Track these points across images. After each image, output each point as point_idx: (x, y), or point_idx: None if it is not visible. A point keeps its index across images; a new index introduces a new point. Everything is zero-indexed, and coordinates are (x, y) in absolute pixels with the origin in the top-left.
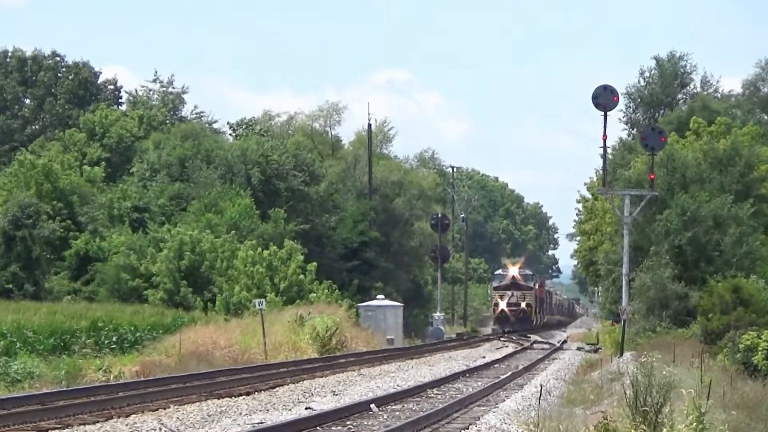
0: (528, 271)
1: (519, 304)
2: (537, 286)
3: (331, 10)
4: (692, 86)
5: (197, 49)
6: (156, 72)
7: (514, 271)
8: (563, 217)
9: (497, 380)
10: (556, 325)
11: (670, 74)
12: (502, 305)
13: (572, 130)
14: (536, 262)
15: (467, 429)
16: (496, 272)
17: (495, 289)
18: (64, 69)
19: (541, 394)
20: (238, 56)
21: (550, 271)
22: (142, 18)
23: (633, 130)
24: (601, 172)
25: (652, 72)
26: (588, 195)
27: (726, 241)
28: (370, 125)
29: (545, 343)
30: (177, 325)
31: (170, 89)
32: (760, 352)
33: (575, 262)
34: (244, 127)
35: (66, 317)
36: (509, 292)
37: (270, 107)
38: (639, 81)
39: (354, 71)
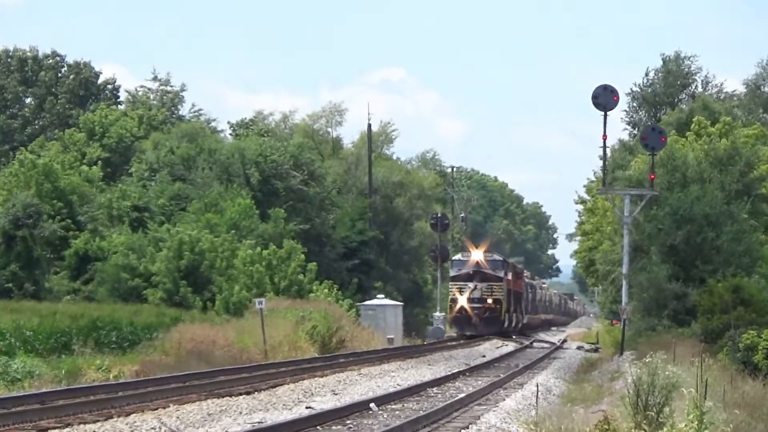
0: (497, 256)
1: (484, 300)
2: (510, 276)
3: (327, 10)
4: (694, 86)
5: (192, 49)
6: (155, 70)
7: (478, 255)
8: (563, 216)
9: (497, 379)
10: (543, 327)
11: (674, 74)
12: (462, 301)
13: (571, 130)
14: (536, 261)
15: (467, 428)
16: (454, 258)
17: (453, 279)
18: (64, 68)
19: (538, 393)
20: (234, 56)
21: (550, 271)
22: (135, 17)
23: (635, 130)
24: (600, 172)
25: (657, 71)
26: (586, 197)
27: (722, 239)
28: (369, 125)
29: (546, 342)
30: (176, 324)
31: (168, 87)
32: (760, 351)
33: (575, 262)
34: (243, 127)
35: (65, 317)
36: (471, 284)
37: (265, 107)
38: (644, 81)
39: (350, 70)
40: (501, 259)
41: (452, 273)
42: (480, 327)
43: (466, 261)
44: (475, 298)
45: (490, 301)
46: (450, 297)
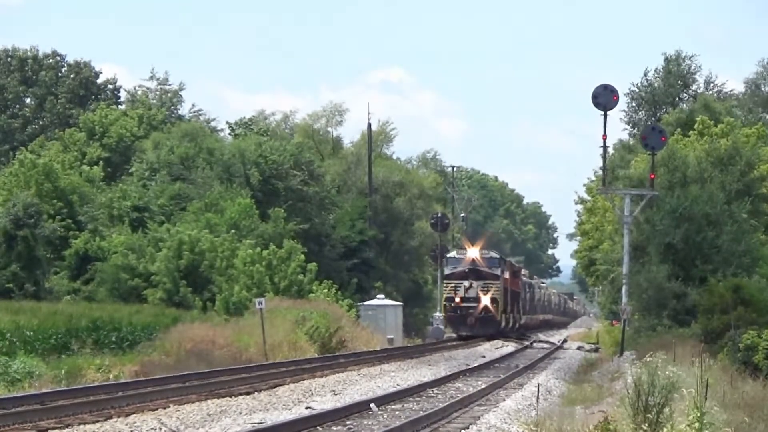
0: (494, 254)
1: (479, 299)
2: (507, 275)
3: (325, 9)
4: (695, 86)
5: (192, 49)
6: (153, 69)
7: (473, 252)
8: (563, 216)
9: (497, 380)
10: (542, 328)
11: (675, 73)
12: (456, 300)
13: (572, 130)
14: (536, 261)
15: (467, 429)
16: (449, 255)
17: (447, 277)
18: (64, 68)
19: (539, 393)
20: (232, 56)
21: (550, 271)
22: (135, 17)
23: (635, 129)
24: (600, 172)
25: (656, 71)
26: (586, 197)
27: (722, 239)
28: (369, 125)
29: (546, 342)
30: (175, 324)
31: (166, 86)
32: (760, 352)
33: (575, 262)
34: (243, 126)
35: (66, 317)
36: (466, 282)
37: (265, 107)
38: (642, 81)
39: (349, 70)
40: (497, 256)
41: (447, 271)
42: (476, 327)
43: (462, 259)
44: (470, 297)
45: (486, 300)
46: (445, 296)
